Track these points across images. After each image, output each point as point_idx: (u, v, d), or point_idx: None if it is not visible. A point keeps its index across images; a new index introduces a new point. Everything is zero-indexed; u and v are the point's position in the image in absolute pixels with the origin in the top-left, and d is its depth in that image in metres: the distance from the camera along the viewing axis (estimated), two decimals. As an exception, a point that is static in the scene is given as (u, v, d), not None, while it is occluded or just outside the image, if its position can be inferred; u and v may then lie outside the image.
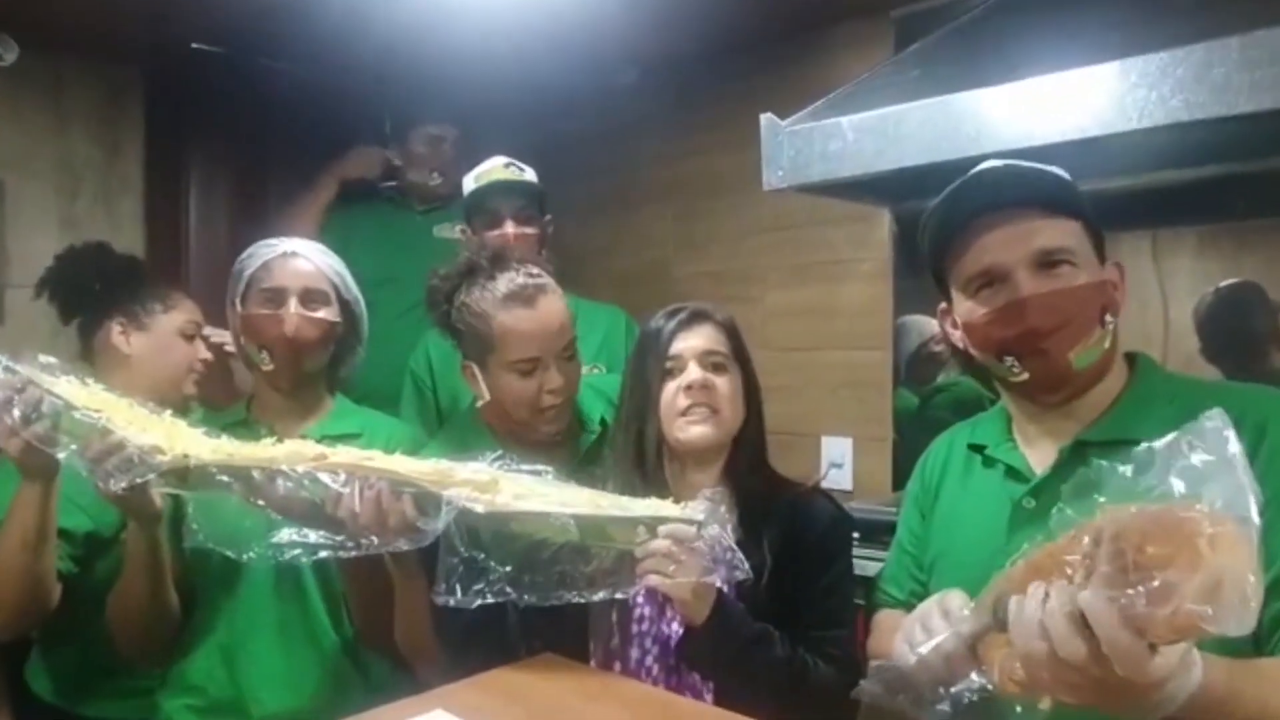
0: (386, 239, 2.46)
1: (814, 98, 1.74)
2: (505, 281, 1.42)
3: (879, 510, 2.03)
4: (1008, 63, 1.44)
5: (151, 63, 2.51)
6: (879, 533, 1.93)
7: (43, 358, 1.23)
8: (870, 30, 2.25)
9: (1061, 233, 1.04)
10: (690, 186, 2.66)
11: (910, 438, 2.27)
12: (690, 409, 1.26)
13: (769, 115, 1.69)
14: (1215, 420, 0.73)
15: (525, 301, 1.40)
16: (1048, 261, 1.03)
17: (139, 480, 1.14)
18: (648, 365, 1.29)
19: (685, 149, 2.66)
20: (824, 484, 2.30)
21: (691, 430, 1.26)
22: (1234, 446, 0.71)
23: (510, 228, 1.94)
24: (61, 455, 1.17)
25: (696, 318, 1.31)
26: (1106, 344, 1.04)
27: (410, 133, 2.48)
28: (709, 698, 1.20)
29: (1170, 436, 0.74)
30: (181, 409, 1.49)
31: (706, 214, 2.63)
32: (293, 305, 1.47)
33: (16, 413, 1.17)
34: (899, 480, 2.24)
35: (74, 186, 2.45)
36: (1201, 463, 0.71)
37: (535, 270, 1.45)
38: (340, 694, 1.38)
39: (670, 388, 1.27)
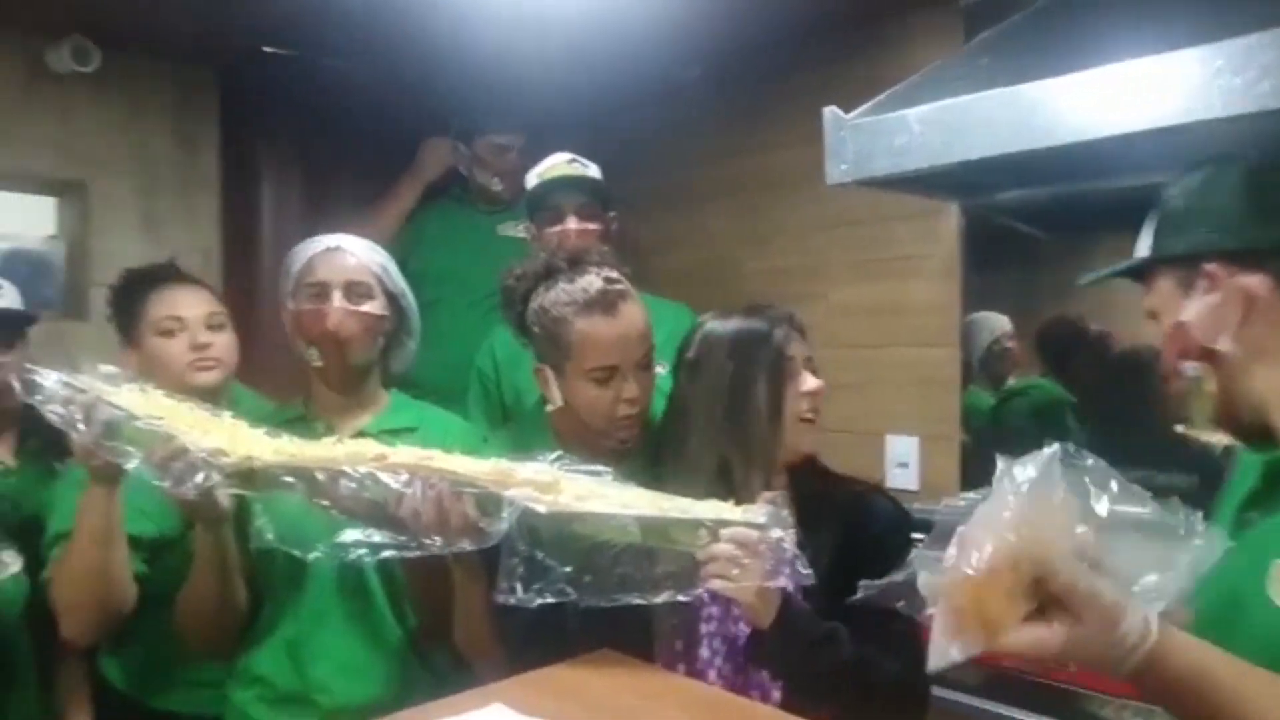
0: (453, 237, 2.51)
1: (882, 90, 1.70)
2: (585, 285, 1.37)
3: (945, 511, 1.98)
4: (1083, 50, 1.39)
5: (225, 63, 2.59)
6: (946, 535, 1.89)
7: (103, 368, 1.26)
8: (940, 20, 2.19)
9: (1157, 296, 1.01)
10: (754, 181, 2.63)
11: (982, 438, 2.21)
12: (809, 415, 1.28)
13: (832, 109, 1.66)
14: (1047, 456, 0.76)
15: (606, 308, 1.36)
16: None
17: (206, 485, 1.16)
18: (754, 368, 1.27)
19: (749, 144, 2.63)
20: (889, 483, 2.26)
21: (806, 438, 1.28)
22: (1029, 486, 0.76)
23: (573, 223, 1.94)
24: (130, 465, 1.20)
25: (795, 322, 1.31)
26: (1210, 386, 0.97)
27: (476, 139, 2.51)
28: (777, 695, 1.20)
29: (1001, 465, 0.78)
30: (216, 399, 1.49)
31: (771, 209, 2.60)
32: (336, 299, 1.47)
33: (83, 427, 1.19)
34: (968, 481, 2.18)
35: (153, 185, 2.53)
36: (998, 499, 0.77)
37: (615, 275, 1.41)
38: (405, 685, 1.41)
39: (790, 393, 1.27)
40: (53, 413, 1.20)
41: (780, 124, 2.52)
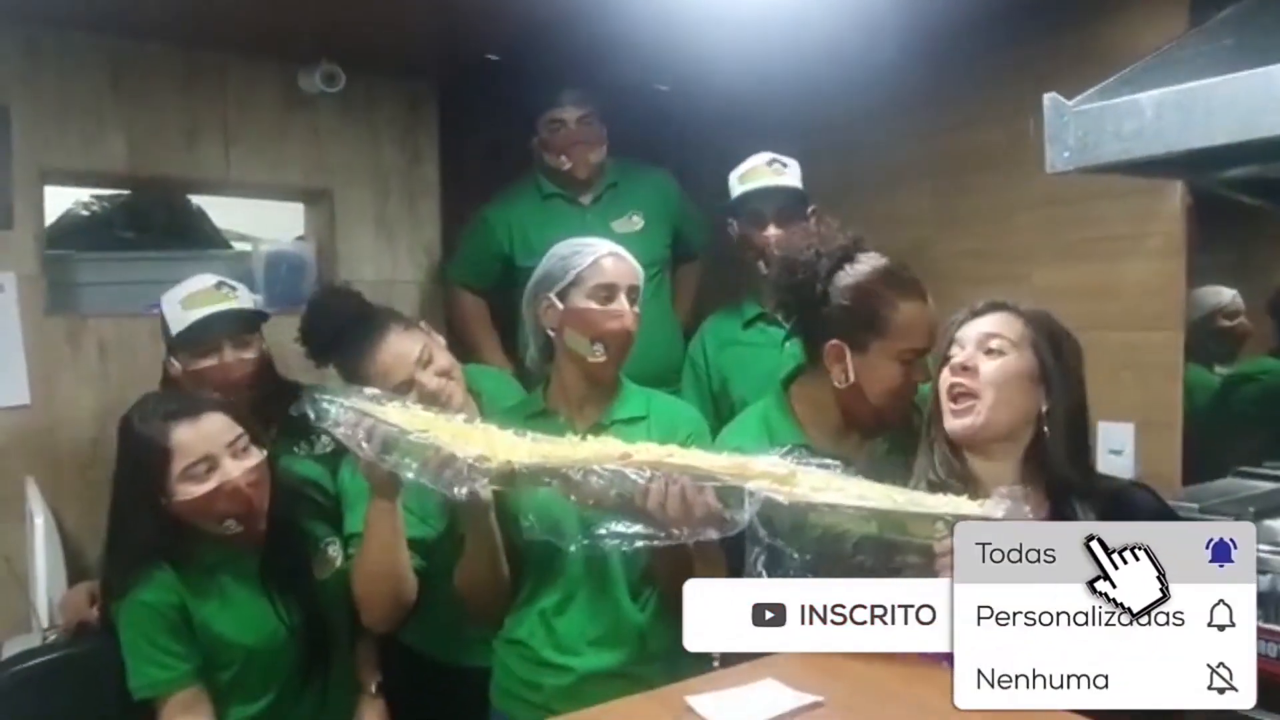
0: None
1: (1093, 63, 1.66)
2: (899, 272, 1.49)
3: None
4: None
5: (444, 75, 2.80)
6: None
7: (368, 390, 1.44)
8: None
9: None
10: (951, 162, 2.57)
11: (1205, 424, 2.10)
12: (953, 390, 1.28)
13: (1053, 95, 1.63)
14: None
15: (921, 295, 1.48)
16: None
17: (475, 487, 1.32)
18: (940, 353, 1.34)
19: (947, 123, 2.57)
20: (1101, 470, 2.19)
21: (953, 421, 1.28)
22: None
23: (772, 230, 2.04)
24: (407, 475, 1.36)
25: (990, 306, 1.33)
26: None
27: (537, 120, 2.46)
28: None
29: None
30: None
31: (968, 190, 2.54)
32: (624, 301, 1.57)
33: (369, 446, 1.36)
34: (1190, 472, 2.09)
35: (385, 190, 2.78)
36: None
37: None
38: (646, 656, 1.54)
39: (944, 372, 1.30)
40: (340, 435, 1.39)
41: (982, 102, 2.45)
